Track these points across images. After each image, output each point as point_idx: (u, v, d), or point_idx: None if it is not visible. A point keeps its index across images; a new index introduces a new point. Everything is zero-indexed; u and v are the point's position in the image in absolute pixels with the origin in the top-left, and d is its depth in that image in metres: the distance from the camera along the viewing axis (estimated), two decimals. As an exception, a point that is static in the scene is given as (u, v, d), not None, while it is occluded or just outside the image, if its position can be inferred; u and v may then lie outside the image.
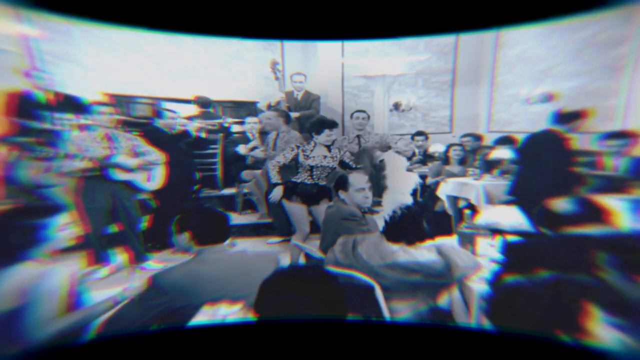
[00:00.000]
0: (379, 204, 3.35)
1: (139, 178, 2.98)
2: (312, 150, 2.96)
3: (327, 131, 2.97)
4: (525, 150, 3.10)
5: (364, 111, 4.01)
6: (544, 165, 2.84)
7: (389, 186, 3.11)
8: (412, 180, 3.58)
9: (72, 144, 2.75)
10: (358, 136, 3.90)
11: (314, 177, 2.94)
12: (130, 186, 2.97)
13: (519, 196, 2.95)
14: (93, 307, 1.45)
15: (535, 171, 2.90)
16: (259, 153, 3.81)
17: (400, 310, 1.60)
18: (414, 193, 3.45)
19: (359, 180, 2.28)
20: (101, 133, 2.85)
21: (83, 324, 1.41)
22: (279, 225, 3.75)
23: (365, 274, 1.62)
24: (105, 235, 3.01)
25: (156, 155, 3.04)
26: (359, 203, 2.26)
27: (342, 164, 3.04)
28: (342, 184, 2.30)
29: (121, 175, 2.88)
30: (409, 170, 3.89)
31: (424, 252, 1.62)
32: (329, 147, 2.99)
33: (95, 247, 2.89)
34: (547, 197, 1.50)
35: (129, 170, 2.91)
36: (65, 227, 1.48)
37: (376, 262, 1.60)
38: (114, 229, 3.10)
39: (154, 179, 3.08)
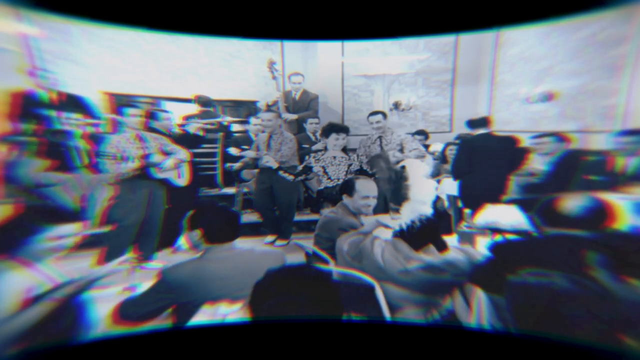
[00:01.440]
0: (396, 211, 3.32)
1: (172, 175, 3.07)
2: (323, 155, 3.00)
3: (334, 135, 2.99)
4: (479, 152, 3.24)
5: (379, 112, 3.59)
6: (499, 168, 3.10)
7: (409, 197, 3.07)
8: (432, 188, 3.53)
9: (112, 146, 2.79)
10: (380, 137, 3.57)
11: (332, 178, 2.96)
12: (166, 183, 3.05)
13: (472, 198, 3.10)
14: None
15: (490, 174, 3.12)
16: (250, 153, 3.69)
17: (413, 316, 1.59)
18: (435, 202, 3.33)
19: (366, 187, 2.19)
20: (133, 134, 2.90)
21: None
22: (268, 224, 3.78)
23: (383, 276, 1.60)
24: (132, 234, 2.97)
25: (184, 153, 3.12)
26: (359, 209, 2.19)
27: (360, 171, 3.04)
28: (349, 189, 2.22)
29: (160, 173, 2.96)
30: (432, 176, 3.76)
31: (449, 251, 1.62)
32: (345, 151, 3.02)
33: (120, 245, 2.87)
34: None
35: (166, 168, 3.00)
36: (68, 234, 1.46)
37: (402, 264, 1.57)
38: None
39: (183, 175, 3.17)
